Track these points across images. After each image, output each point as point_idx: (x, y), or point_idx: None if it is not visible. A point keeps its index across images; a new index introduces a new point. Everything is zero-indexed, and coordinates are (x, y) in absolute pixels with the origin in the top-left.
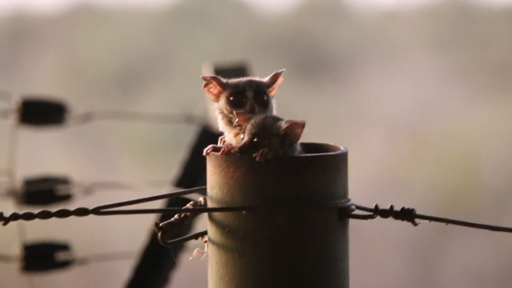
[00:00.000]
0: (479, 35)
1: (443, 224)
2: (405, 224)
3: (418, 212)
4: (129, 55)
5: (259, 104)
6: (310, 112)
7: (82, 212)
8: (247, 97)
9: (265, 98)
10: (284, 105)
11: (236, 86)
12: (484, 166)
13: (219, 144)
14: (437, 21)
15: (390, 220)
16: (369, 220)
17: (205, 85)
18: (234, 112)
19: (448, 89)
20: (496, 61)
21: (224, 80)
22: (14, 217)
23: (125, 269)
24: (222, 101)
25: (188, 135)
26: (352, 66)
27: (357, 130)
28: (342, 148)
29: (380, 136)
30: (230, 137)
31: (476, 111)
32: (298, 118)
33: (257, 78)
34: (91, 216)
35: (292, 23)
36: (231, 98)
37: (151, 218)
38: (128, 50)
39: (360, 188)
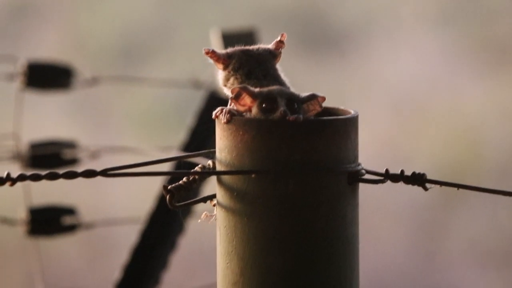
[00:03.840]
0: (485, 11)
1: (447, 198)
2: (408, 198)
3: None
4: (132, 27)
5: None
6: (314, 86)
7: (89, 174)
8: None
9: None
10: (288, 78)
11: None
12: (487, 141)
13: (229, 106)
14: None
15: (393, 193)
16: (371, 194)
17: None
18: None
19: (453, 65)
20: (501, 37)
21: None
22: (22, 177)
23: (132, 234)
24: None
25: (195, 103)
26: (357, 40)
27: (361, 104)
28: (352, 112)
29: (384, 110)
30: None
31: (480, 87)
32: (304, 91)
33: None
34: (97, 181)
35: None
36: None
37: (158, 184)
38: (131, 22)
39: (363, 161)
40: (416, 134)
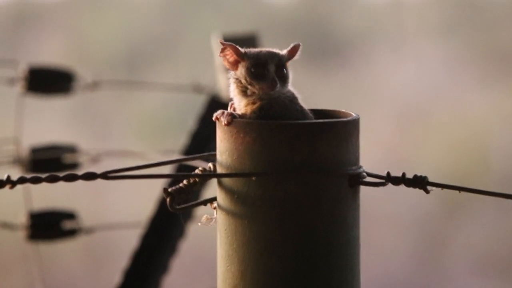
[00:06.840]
0: (487, 21)
1: (448, 206)
2: (410, 206)
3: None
4: (134, 34)
5: (279, 78)
6: (318, 96)
7: (90, 176)
8: (268, 70)
9: (285, 71)
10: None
11: (257, 57)
12: (491, 148)
13: (229, 110)
14: (444, 6)
15: (395, 201)
16: (373, 202)
17: (222, 51)
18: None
19: (456, 73)
20: (504, 46)
21: (242, 50)
22: (22, 180)
23: (132, 238)
24: (242, 71)
25: (196, 108)
26: (360, 48)
27: (364, 113)
28: (353, 114)
29: (387, 119)
30: (241, 106)
31: (483, 94)
32: (307, 100)
33: (276, 50)
34: (97, 186)
35: (300, 5)
36: (252, 70)
37: (158, 189)
38: (134, 29)
39: (366, 168)
40: (420, 142)
